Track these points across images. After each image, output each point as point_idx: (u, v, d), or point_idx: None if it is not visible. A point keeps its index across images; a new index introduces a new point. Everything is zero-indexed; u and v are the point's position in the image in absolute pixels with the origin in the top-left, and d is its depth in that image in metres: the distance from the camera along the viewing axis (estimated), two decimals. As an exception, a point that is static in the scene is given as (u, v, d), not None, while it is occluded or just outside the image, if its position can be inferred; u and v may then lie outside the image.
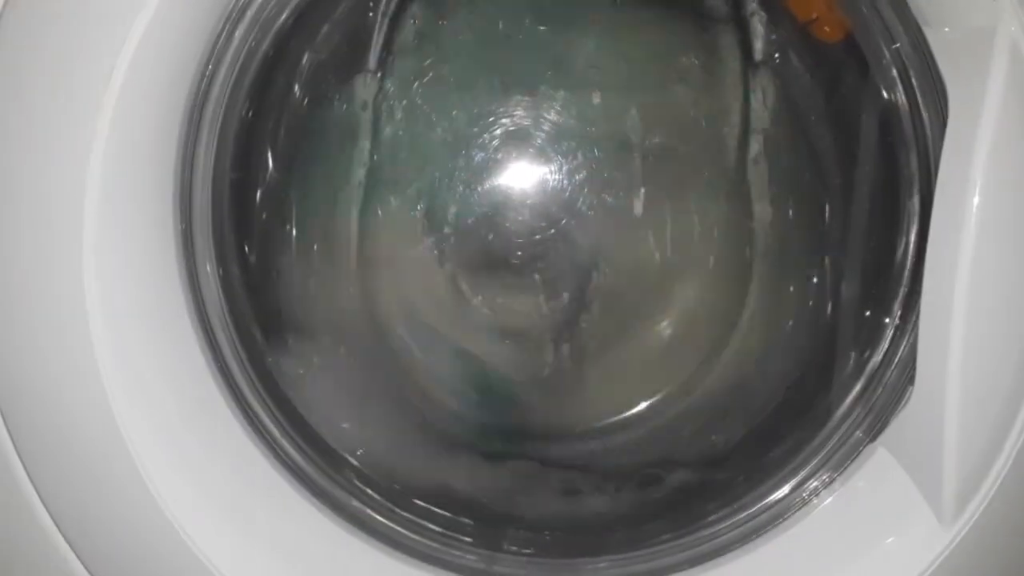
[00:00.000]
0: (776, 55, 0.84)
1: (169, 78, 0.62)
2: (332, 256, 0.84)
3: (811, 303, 0.83)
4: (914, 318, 0.72)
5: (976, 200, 0.62)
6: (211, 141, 0.68)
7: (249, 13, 0.66)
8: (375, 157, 0.84)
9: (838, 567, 0.67)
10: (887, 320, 0.75)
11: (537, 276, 0.84)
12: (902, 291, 0.74)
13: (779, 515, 0.71)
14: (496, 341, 0.86)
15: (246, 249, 0.74)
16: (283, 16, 0.69)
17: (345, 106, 0.83)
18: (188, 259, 0.68)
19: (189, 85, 0.64)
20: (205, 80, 0.66)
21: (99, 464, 0.63)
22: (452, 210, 0.84)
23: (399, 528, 0.71)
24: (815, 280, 0.82)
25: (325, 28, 0.80)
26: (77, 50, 0.59)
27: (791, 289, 0.84)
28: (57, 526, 0.65)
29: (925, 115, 0.70)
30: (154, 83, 0.61)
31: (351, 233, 0.84)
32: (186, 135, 0.66)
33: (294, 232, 0.82)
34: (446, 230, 0.84)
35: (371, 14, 0.83)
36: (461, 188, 0.83)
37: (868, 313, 0.77)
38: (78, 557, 0.66)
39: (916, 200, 0.72)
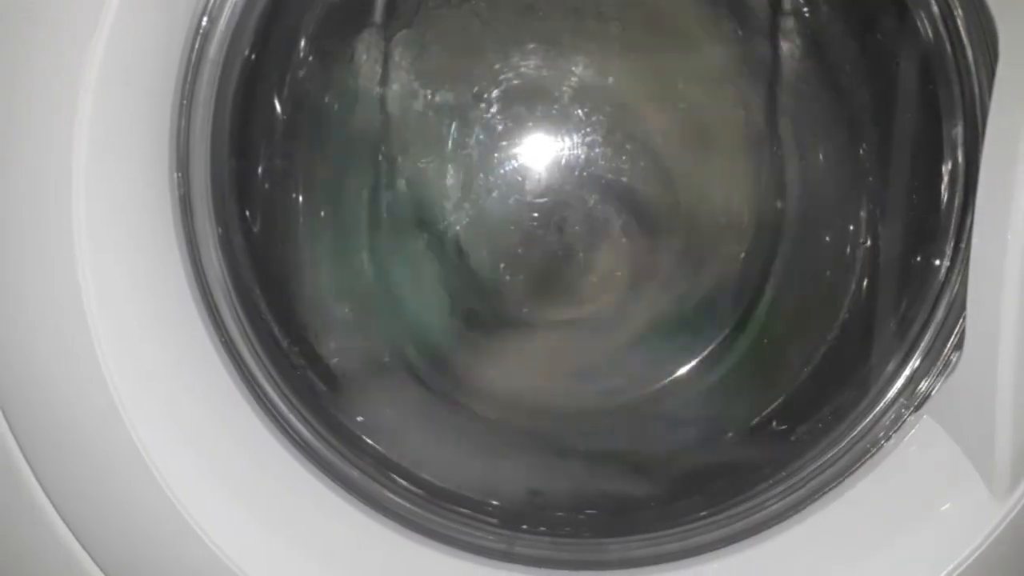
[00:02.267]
0: (806, 2, 0.79)
1: (164, 23, 0.59)
2: (342, 221, 0.81)
3: (849, 258, 0.79)
4: (959, 277, 0.68)
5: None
6: (209, 97, 0.64)
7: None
8: (386, 115, 0.80)
9: (884, 542, 0.63)
10: (931, 279, 0.71)
11: (559, 232, 0.80)
12: (949, 243, 0.69)
13: (818, 491, 0.67)
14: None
15: (247, 215, 0.71)
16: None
17: (351, 63, 0.79)
18: (187, 226, 0.64)
19: (185, 31, 0.61)
20: (202, 31, 0.62)
21: (98, 443, 0.60)
22: (467, 169, 0.80)
23: (415, 508, 0.67)
24: (852, 229, 0.78)
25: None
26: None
27: (827, 239, 0.80)
28: (57, 511, 0.62)
29: (971, 54, 0.65)
30: (146, 27, 0.57)
31: (363, 196, 0.80)
32: (182, 88, 0.62)
33: (301, 198, 0.78)
34: (460, 193, 0.80)
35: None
36: (476, 148, 0.79)
37: (913, 266, 0.73)
38: (81, 544, 0.63)
39: (960, 141, 0.67)
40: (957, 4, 0.66)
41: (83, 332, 0.57)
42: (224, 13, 0.63)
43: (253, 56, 0.68)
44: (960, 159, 0.68)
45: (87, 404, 0.59)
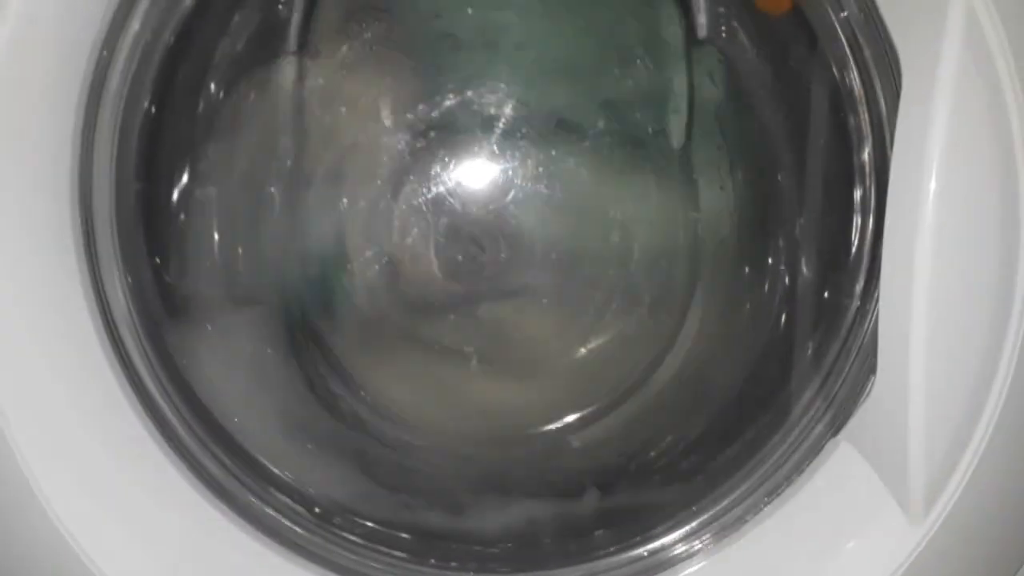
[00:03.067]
0: (721, 31, 0.80)
1: (55, 68, 0.57)
2: (256, 252, 0.79)
3: (767, 287, 0.79)
4: (874, 302, 0.69)
5: (934, 173, 0.58)
6: (112, 138, 0.63)
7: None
8: (301, 143, 0.79)
9: (805, 570, 0.63)
10: (846, 304, 0.71)
11: (468, 263, 0.80)
12: (861, 273, 0.70)
13: (739, 518, 0.67)
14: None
15: (157, 259, 0.69)
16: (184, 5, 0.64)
17: (265, 92, 0.78)
18: (92, 266, 0.63)
19: (81, 76, 0.59)
20: (99, 70, 0.61)
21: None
22: (384, 196, 0.79)
23: (313, 537, 0.66)
24: (770, 261, 0.78)
25: (236, 16, 0.75)
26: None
27: (745, 271, 0.80)
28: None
29: (878, 84, 0.66)
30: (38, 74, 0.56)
31: (279, 225, 0.79)
32: (83, 131, 0.60)
33: (216, 235, 0.76)
34: (377, 218, 0.80)
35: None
36: (391, 175, 0.79)
37: (825, 296, 0.73)
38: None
39: (868, 169, 0.68)
40: (862, 35, 0.67)
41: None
42: (124, 47, 0.62)
43: (154, 101, 0.66)
44: (870, 185, 0.69)
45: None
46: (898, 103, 0.61)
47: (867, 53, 0.67)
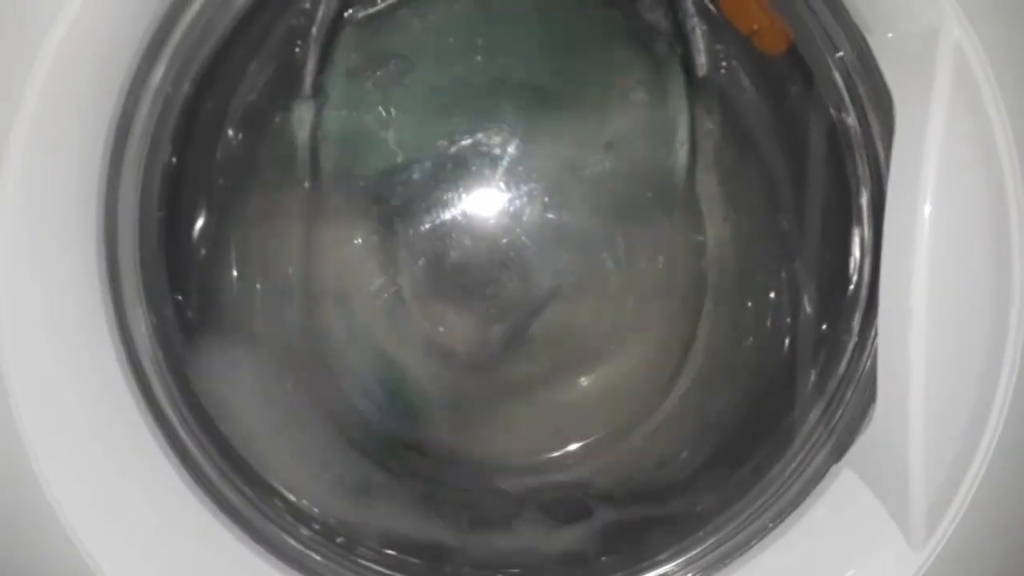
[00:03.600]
0: (720, 69, 0.82)
1: (80, 120, 0.60)
2: (275, 293, 0.81)
3: (770, 320, 0.81)
4: (873, 333, 0.70)
5: (928, 209, 0.60)
6: (135, 185, 0.65)
7: (166, 53, 0.64)
8: (317, 183, 0.81)
9: (807, 597, 0.65)
10: (846, 336, 0.73)
11: (483, 299, 0.82)
12: (860, 305, 0.72)
13: (744, 543, 0.68)
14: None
15: (179, 297, 0.71)
16: (203, 55, 0.67)
17: (281, 136, 0.80)
18: (117, 303, 0.65)
19: (105, 130, 0.62)
20: (122, 123, 0.63)
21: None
22: (398, 235, 0.81)
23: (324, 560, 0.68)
24: (772, 296, 0.80)
25: (252, 65, 0.77)
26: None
27: (748, 305, 0.82)
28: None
29: (873, 122, 0.68)
30: (63, 129, 0.58)
31: (295, 264, 0.81)
32: (107, 180, 0.63)
33: (234, 272, 0.79)
34: (394, 256, 0.81)
35: (299, 45, 0.80)
36: (407, 213, 0.81)
37: (826, 328, 0.74)
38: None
39: (866, 209, 0.70)
40: (856, 75, 0.68)
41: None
42: (148, 95, 0.64)
43: (175, 148, 0.69)
44: (868, 228, 0.71)
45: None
46: (892, 139, 0.63)
47: (862, 91, 0.68)
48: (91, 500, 0.61)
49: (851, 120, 0.70)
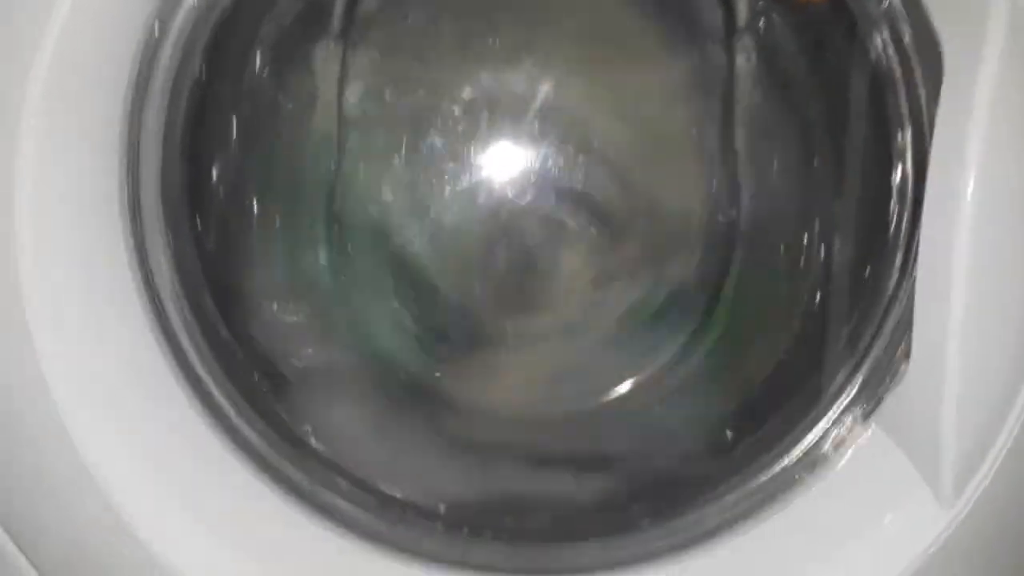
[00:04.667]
0: (761, 19, 0.80)
1: (111, 32, 0.58)
2: (296, 229, 0.80)
3: (803, 270, 0.79)
4: (908, 288, 0.69)
5: (974, 165, 0.58)
6: (161, 105, 0.64)
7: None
8: (342, 127, 0.80)
9: (832, 549, 0.64)
10: (881, 288, 0.71)
11: (521, 243, 0.80)
12: (898, 256, 0.71)
13: (769, 497, 0.68)
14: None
15: (199, 221, 0.70)
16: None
17: (307, 74, 0.79)
18: (137, 233, 0.64)
19: (135, 42, 0.60)
20: (153, 39, 0.62)
21: (43, 456, 0.59)
22: (425, 180, 0.79)
23: (365, 511, 0.67)
24: (806, 243, 0.79)
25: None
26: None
27: (781, 251, 0.80)
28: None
29: (917, 71, 0.67)
30: (94, 38, 0.57)
31: (320, 204, 0.80)
32: (133, 96, 0.61)
33: (255, 205, 0.77)
34: (418, 204, 0.80)
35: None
36: (433, 157, 0.79)
37: (861, 280, 0.73)
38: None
39: (910, 169, 0.69)
40: (902, 20, 0.67)
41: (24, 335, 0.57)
42: (177, 19, 0.63)
43: (206, 64, 0.67)
44: (908, 169, 0.70)
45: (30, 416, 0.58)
46: (938, 88, 0.62)
47: (907, 39, 0.67)
48: (103, 419, 0.60)
49: (895, 67, 0.68)
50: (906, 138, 0.69)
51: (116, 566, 0.61)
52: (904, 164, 0.70)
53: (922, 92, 0.67)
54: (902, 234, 0.71)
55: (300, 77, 0.79)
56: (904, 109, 0.69)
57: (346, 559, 0.64)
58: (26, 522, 0.61)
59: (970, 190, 0.59)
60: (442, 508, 0.71)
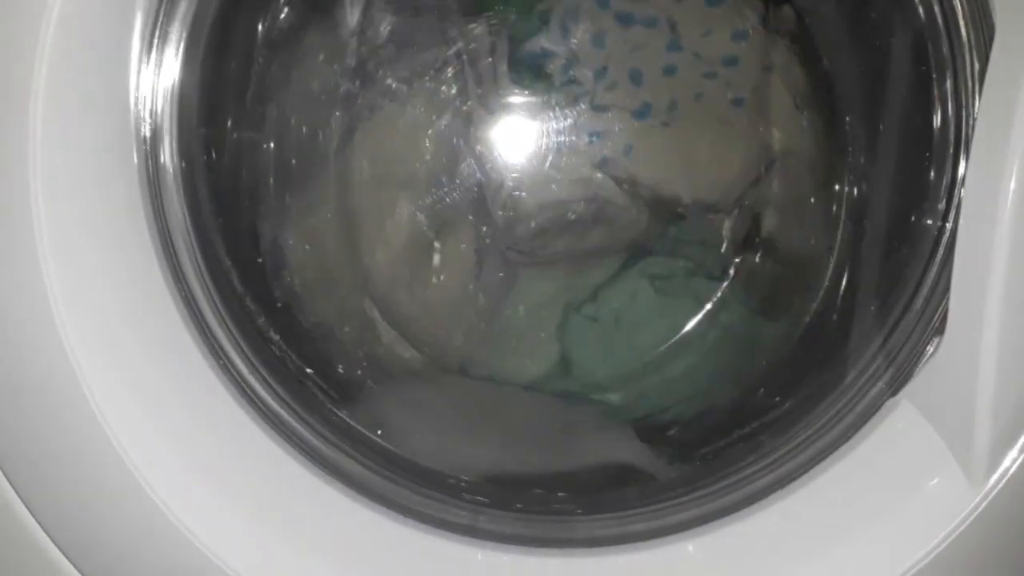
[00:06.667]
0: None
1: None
2: (312, 173, 0.78)
3: (836, 236, 0.78)
4: (942, 260, 0.67)
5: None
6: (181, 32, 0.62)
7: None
8: (362, 66, 0.78)
9: (859, 526, 0.62)
10: (915, 261, 0.69)
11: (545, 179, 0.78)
12: (940, 205, 0.68)
13: (794, 472, 0.66)
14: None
15: (213, 154, 0.69)
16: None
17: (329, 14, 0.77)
18: (156, 206, 0.62)
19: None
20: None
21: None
22: (443, 137, 0.77)
23: (375, 476, 0.65)
24: (835, 209, 0.77)
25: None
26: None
27: (812, 201, 0.78)
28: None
29: (965, 38, 0.64)
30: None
31: (333, 148, 0.78)
32: (153, 24, 0.60)
33: (272, 148, 0.75)
34: (439, 151, 0.78)
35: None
36: (456, 105, 0.77)
37: (893, 253, 0.71)
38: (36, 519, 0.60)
39: (951, 122, 0.66)
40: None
41: (50, 325, 0.56)
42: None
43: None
44: (951, 117, 0.67)
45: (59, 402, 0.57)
46: (985, 35, 0.60)
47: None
48: (131, 400, 0.59)
49: (941, 34, 0.66)
50: (946, 87, 0.66)
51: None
52: (947, 111, 0.67)
53: (967, 38, 0.64)
54: (944, 181, 0.68)
55: (322, 15, 0.77)
56: (946, 54, 0.66)
57: (376, 529, 0.62)
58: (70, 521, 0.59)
59: (1019, 161, 0.56)
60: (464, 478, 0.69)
